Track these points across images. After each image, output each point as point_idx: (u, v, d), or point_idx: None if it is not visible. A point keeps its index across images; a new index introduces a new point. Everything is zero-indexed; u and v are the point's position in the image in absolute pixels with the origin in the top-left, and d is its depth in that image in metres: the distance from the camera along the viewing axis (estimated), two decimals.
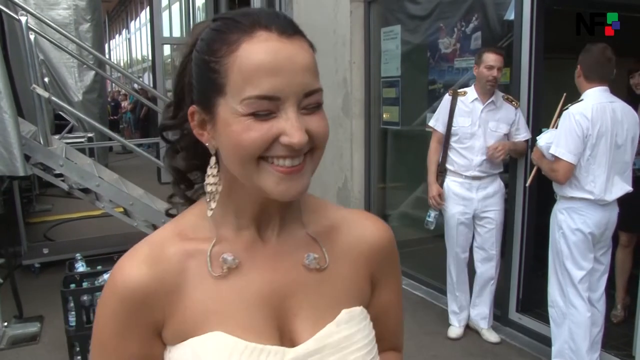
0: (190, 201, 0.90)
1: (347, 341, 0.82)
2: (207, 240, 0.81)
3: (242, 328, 0.78)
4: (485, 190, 3.58)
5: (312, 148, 0.74)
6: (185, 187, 0.90)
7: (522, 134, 3.55)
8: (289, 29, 0.73)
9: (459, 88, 3.75)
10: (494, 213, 3.59)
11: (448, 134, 3.63)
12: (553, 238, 3.06)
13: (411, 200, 5.17)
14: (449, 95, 3.66)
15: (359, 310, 0.86)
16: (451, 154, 3.64)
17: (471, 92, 3.60)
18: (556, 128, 3.00)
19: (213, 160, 0.80)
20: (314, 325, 0.81)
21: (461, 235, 3.67)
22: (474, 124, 3.54)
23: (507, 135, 3.55)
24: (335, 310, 0.83)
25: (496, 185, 3.61)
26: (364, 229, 0.91)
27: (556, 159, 2.92)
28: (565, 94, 3.18)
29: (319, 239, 0.86)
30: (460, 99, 3.60)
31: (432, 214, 3.78)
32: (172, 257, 0.79)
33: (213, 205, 0.82)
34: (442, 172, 3.69)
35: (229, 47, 0.72)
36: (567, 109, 2.92)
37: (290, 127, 0.70)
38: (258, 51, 0.70)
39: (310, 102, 0.73)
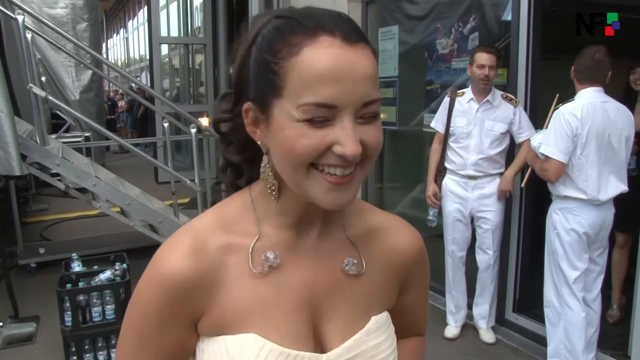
0: (236, 188, 0.89)
1: (375, 350, 0.82)
2: (249, 235, 0.80)
3: (279, 331, 0.78)
4: (481, 190, 3.58)
5: (364, 158, 0.72)
6: (234, 176, 0.89)
7: (526, 133, 3.49)
8: (353, 36, 0.71)
9: (457, 89, 3.79)
10: (490, 214, 3.59)
11: (447, 133, 3.67)
12: (548, 238, 3.07)
13: (408, 201, 5.18)
14: (448, 96, 3.72)
15: (385, 317, 0.86)
16: (449, 153, 3.68)
17: (468, 92, 3.64)
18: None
19: (265, 159, 0.79)
20: (345, 332, 0.81)
21: (458, 232, 3.68)
22: (469, 123, 3.56)
23: (505, 134, 3.55)
24: (366, 316, 0.84)
25: (494, 186, 3.59)
26: (398, 238, 0.91)
27: (547, 158, 2.93)
28: (558, 95, 3.19)
29: (357, 244, 0.86)
30: (458, 99, 3.65)
31: (431, 212, 3.84)
32: (214, 250, 0.79)
33: (275, 199, 0.81)
34: (441, 171, 3.73)
35: (290, 50, 0.70)
36: (557, 108, 2.94)
37: (345, 137, 0.69)
38: (320, 58, 0.68)
39: (367, 111, 0.71)
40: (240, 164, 0.87)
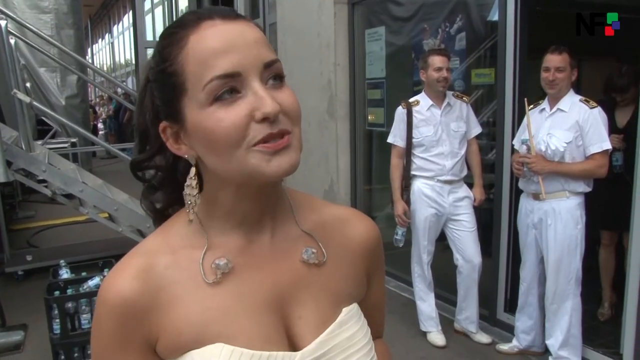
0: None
1: (349, 341, 0.80)
2: (198, 248, 0.78)
3: (246, 335, 0.75)
4: (456, 194, 3.57)
5: (290, 124, 0.72)
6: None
7: (475, 129, 3.63)
8: (232, 14, 0.73)
9: (407, 99, 3.68)
10: (466, 216, 3.58)
11: (409, 146, 3.59)
12: (567, 235, 3.07)
13: None
14: (403, 108, 3.60)
15: (356, 308, 0.85)
16: (420, 163, 3.58)
17: (423, 99, 3.58)
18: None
19: (193, 171, 0.77)
20: (316, 327, 0.79)
21: (432, 233, 3.63)
22: (437, 130, 3.52)
23: (464, 132, 3.59)
24: (336, 308, 0.82)
25: (465, 190, 3.61)
26: (356, 229, 0.90)
27: (602, 154, 2.98)
28: (526, 98, 3.27)
29: (314, 235, 0.84)
30: (415, 109, 3.57)
31: (400, 231, 3.70)
32: (162, 269, 0.77)
33: (192, 216, 0.79)
34: (407, 186, 3.64)
35: (178, 46, 0.71)
36: (595, 107, 3.00)
37: (259, 99, 0.69)
38: (206, 38, 0.70)
39: (271, 73, 0.72)
40: (170, 201, 0.86)
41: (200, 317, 0.75)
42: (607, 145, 2.95)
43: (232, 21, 0.72)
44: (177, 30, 0.73)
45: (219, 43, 0.69)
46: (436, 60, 3.45)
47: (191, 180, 0.77)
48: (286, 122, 0.71)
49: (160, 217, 0.86)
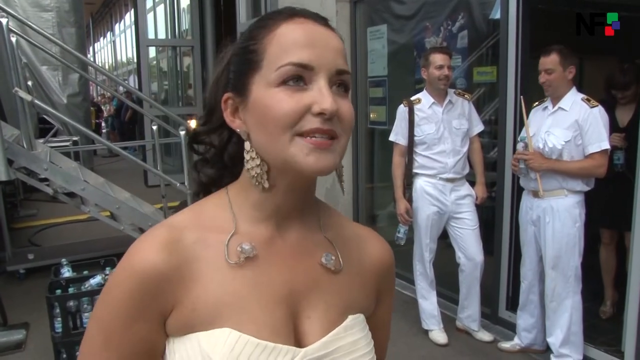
0: None
1: (352, 346, 0.82)
2: (225, 231, 0.81)
3: (256, 323, 0.77)
4: (458, 192, 3.57)
5: (340, 132, 0.76)
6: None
7: (477, 126, 3.64)
8: (323, 20, 0.79)
9: (409, 97, 3.68)
10: (468, 214, 3.58)
11: (411, 144, 3.59)
12: (565, 233, 3.07)
13: None
14: (405, 106, 3.60)
15: (361, 318, 0.87)
16: (422, 161, 3.58)
17: (425, 97, 3.58)
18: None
19: (248, 145, 0.80)
20: (323, 328, 0.81)
21: (434, 231, 3.64)
22: (439, 127, 3.52)
23: (467, 130, 3.59)
24: (343, 314, 0.84)
25: (467, 188, 3.61)
26: (372, 248, 0.93)
27: (601, 153, 2.97)
28: (522, 97, 3.31)
29: (334, 244, 0.87)
30: (416, 107, 3.57)
31: (402, 229, 3.71)
32: (189, 243, 0.78)
33: (266, 184, 0.80)
34: (409, 185, 3.64)
35: (269, 29, 0.77)
36: (596, 106, 2.99)
37: (321, 96, 0.73)
38: (295, 29, 0.76)
39: (340, 81, 0.76)
40: (214, 179, 0.89)
41: (215, 298, 0.77)
42: (606, 145, 2.94)
43: (322, 25, 0.78)
44: (272, 17, 0.79)
45: (304, 37, 0.75)
46: (437, 58, 3.45)
47: (249, 153, 0.80)
48: (338, 126, 0.75)
49: (202, 190, 0.91)
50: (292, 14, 0.77)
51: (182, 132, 4.54)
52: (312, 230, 0.87)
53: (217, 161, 0.89)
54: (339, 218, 0.94)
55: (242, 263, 0.79)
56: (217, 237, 0.80)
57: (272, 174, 0.79)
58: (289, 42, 0.74)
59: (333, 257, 0.85)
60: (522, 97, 3.32)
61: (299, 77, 0.73)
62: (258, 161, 0.79)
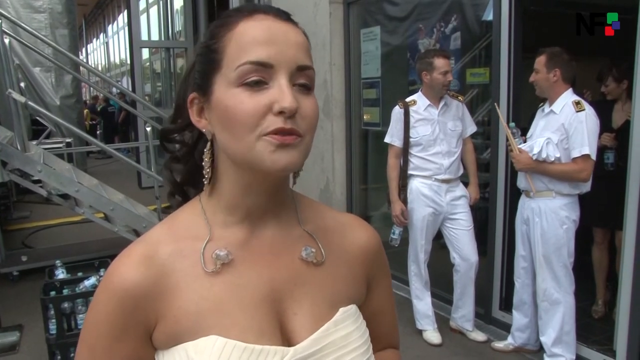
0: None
1: (344, 340, 0.81)
2: (200, 238, 0.80)
3: (240, 327, 0.76)
4: (453, 193, 3.59)
5: (304, 130, 0.75)
6: (181, 200, 0.91)
7: (470, 127, 3.68)
8: (285, 15, 0.78)
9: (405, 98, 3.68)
10: (463, 215, 3.60)
11: (407, 145, 3.60)
12: (553, 234, 3.09)
13: None
14: (400, 107, 3.61)
15: (354, 309, 0.86)
16: (417, 163, 3.59)
17: (420, 99, 3.59)
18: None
19: (209, 145, 0.81)
20: (312, 324, 0.80)
21: (430, 233, 3.65)
22: (434, 129, 3.54)
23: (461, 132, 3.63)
24: (333, 308, 0.83)
25: (461, 189, 3.63)
26: (356, 234, 0.92)
27: (583, 159, 2.96)
28: (495, 103, 3.40)
29: (315, 236, 0.86)
30: (412, 109, 3.57)
31: (397, 231, 3.72)
32: (165, 257, 0.78)
33: (206, 181, 0.82)
34: (404, 186, 3.65)
35: (228, 27, 0.76)
36: (582, 110, 2.98)
37: (281, 93, 0.72)
38: (254, 26, 0.75)
39: (302, 77, 0.75)
40: (187, 177, 0.90)
41: (196, 307, 0.77)
42: (587, 150, 2.93)
43: (283, 21, 0.77)
44: (232, 14, 0.78)
45: (262, 34, 0.74)
46: (442, 64, 3.44)
47: (207, 152, 0.81)
48: (301, 124, 0.74)
49: (177, 190, 0.91)
50: (252, 10, 0.77)
51: (149, 129, 4.53)
52: (290, 225, 0.86)
53: (188, 159, 0.89)
54: (319, 209, 0.93)
55: (219, 269, 0.78)
56: (192, 246, 0.80)
57: (238, 173, 0.79)
58: (247, 40, 0.74)
59: (313, 250, 0.84)
60: (496, 103, 3.42)
61: (258, 75, 0.72)
62: (208, 164, 0.81)
